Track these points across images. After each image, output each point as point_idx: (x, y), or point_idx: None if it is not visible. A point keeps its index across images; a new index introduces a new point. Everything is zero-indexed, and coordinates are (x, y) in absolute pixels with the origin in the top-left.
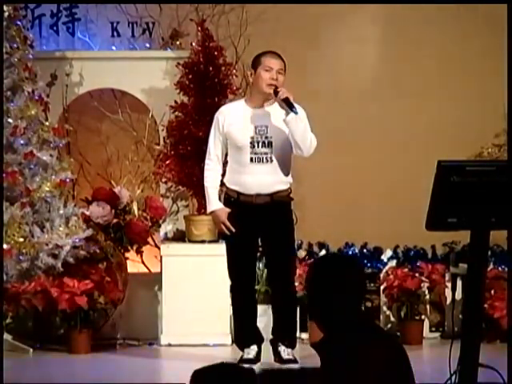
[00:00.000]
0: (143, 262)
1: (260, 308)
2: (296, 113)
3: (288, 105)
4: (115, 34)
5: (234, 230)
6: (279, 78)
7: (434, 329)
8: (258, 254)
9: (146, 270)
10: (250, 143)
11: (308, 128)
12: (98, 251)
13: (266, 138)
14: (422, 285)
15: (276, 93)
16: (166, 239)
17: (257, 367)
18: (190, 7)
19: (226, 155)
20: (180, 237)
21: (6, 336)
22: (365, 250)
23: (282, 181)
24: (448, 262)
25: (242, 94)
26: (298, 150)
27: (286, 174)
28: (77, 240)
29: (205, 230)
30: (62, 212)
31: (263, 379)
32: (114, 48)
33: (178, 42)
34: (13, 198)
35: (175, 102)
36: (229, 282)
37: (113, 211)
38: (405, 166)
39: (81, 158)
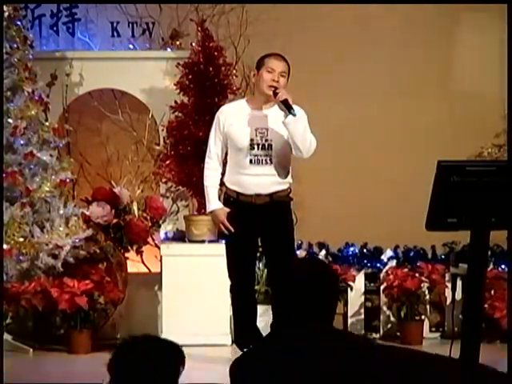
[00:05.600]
0: (143, 262)
1: (260, 308)
2: (294, 115)
3: (286, 106)
4: (115, 33)
5: (233, 230)
6: (281, 80)
7: (434, 329)
8: (258, 254)
9: (146, 270)
10: (250, 145)
11: (308, 129)
12: (98, 251)
13: (266, 140)
14: (422, 285)
15: (275, 94)
16: (166, 239)
17: None
18: (190, 7)
19: (226, 154)
20: (180, 237)
21: (6, 336)
22: (365, 250)
23: (281, 181)
24: (448, 262)
25: (242, 94)
26: (298, 151)
27: (286, 175)
28: (77, 240)
29: (205, 230)
30: (62, 212)
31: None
32: (113, 48)
33: (178, 42)
34: (13, 198)
35: (175, 102)
36: (229, 282)
37: (113, 211)
38: (405, 165)
39: (81, 158)
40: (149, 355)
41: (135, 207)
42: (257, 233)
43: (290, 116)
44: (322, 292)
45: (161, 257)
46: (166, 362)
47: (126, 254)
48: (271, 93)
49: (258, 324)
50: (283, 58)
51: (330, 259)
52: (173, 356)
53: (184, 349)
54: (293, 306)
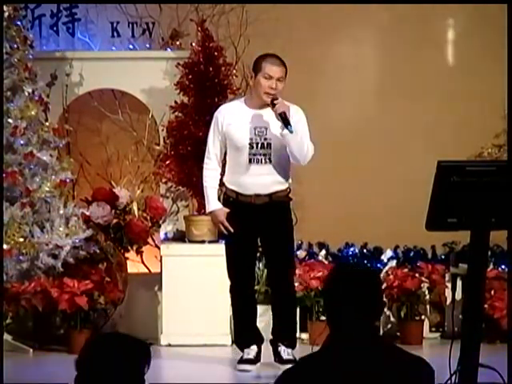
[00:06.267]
0: (143, 262)
1: (260, 308)
2: (291, 132)
3: (284, 121)
4: (115, 34)
5: (232, 230)
6: (278, 85)
7: (434, 329)
8: (258, 254)
9: (146, 270)
10: (249, 144)
11: (306, 135)
12: (98, 251)
13: (265, 139)
14: (422, 285)
15: (273, 104)
16: (166, 239)
17: (256, 367)
18: (190, 7)
19: (225, 154)
20: (180, 237)
21: (6, 336)
22: (365, 250)
23: (280, 181)
24: (448, 262)
25: (242, 94)
26: (295, 160)
27: (285, 175)
28: (77, 240)
29: (205, 230)
30: (62, 212)
31: None
32: (113, 48)
33: (177, 42)
34: (13, 198)
35: (175, 102)
36: (229, 282)
37: (113, 211)
38: (405, 166)
39: (81, 158)
40: (112, 352)
41: (135, 207)
42: (256, 233)
43: (287, 130)
44: (371, 296)
45: (161, 257)
46: (129, 359)
47: (126, 254)
48: (269, 100)
49: (258, 324)
50: (281, 62)
51: (330, 259)
52: (137, 354)
53: (184, 349)
54: (341, 313)
